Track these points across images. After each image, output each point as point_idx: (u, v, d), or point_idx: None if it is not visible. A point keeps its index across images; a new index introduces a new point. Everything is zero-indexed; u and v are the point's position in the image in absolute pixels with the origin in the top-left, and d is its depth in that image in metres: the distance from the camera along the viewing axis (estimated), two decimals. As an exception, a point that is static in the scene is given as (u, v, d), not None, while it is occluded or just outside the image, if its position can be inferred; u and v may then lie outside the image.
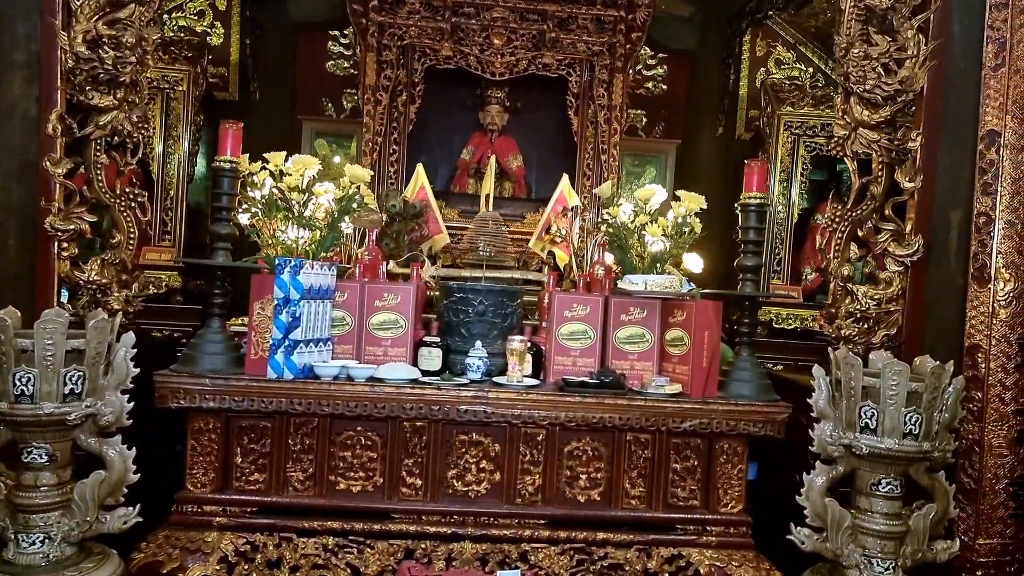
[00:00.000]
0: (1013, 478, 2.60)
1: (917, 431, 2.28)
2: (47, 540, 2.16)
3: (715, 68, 6.19)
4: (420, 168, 4.04)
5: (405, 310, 2.73)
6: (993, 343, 2.59)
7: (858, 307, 2.80)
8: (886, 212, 2.82)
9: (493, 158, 3.96)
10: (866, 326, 2.81)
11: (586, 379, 2.65)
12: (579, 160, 4.88)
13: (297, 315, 2.49)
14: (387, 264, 3.28)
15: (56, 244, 2.67)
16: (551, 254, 3.92)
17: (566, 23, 4.69)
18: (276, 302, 2.48)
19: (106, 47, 2.68)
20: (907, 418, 2.27)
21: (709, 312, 2.65)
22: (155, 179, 4.94)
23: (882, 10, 2.74)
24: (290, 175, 2.75)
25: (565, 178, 4.01)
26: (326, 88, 5.90)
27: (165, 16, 6.17)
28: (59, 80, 2.65)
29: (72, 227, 2.68)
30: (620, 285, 2.76)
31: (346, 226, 3.31)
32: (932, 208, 2.76)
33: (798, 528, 2.46)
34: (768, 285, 5.00)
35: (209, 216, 2.72)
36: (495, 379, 2.67)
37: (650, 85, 6.63)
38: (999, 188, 2.56)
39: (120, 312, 2.69)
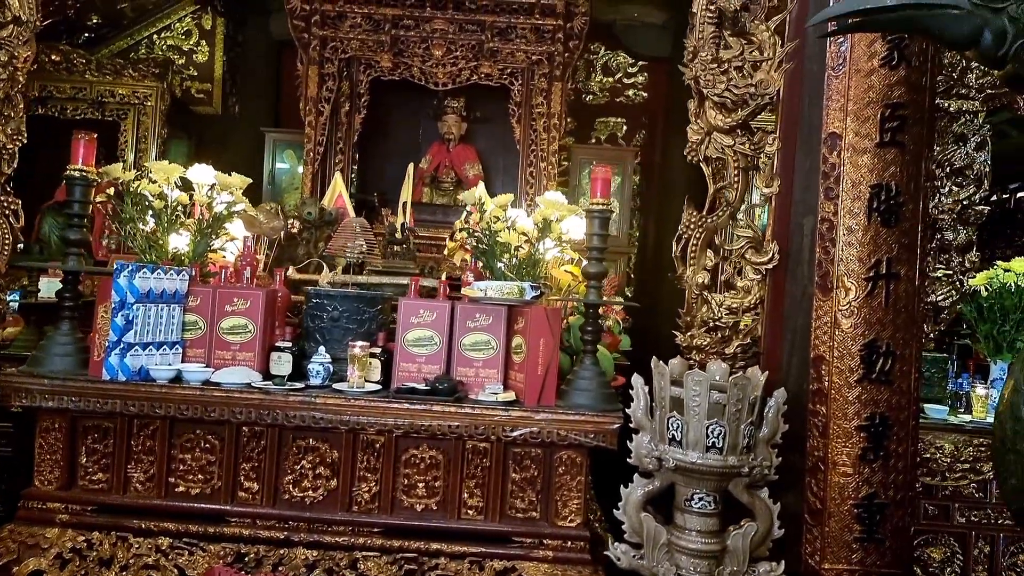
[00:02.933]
0: (858, 499, 2.44)
1: (721, 444, 2.18)
2: None
3: (691, 74, 6.08)
4: (338, 176, 4.13)
5: (254, 314, 2.78)
6: (836, 355, 2.45)
7: (712, 316, 2.70)
8: (741, 218, 2.72)
9: (411, 166, 4.00)
10: (721, 336, 2.71)
11: (417, 386, 2.64)
12: (521, 167, 4.89)
13: (131, 319, 2.58)
14: (287, 270, 3.36)
15: (-61, 252, 2.86)
16: (464, 260, 3.92)
17: (505, 33, 4.72)
18: (113, 305, 2.58)
19: (-18, 65, 2.85)
20: (710, 431, 2.18)
21: (543, 319, 2.60)
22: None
23: (732, 12, 2.66)
24: (154, 182, 2.87)
25: (480, 185, 4.02)
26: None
27: (154, 36, 6.54)
28: (-61, 96, 2.84)
29: (-48, 234, 2.86)
30: (463, 291, 2.75)
31: (240, 232, 3.43)
32: (789, 215, 2.65)
33: (615, 544, 2.39)
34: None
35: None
36: (335, 385, 2.69)
37: (630, 93, 6.60)
38: (840, 192, 2.43)
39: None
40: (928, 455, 3.03)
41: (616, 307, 3.61)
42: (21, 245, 3.13)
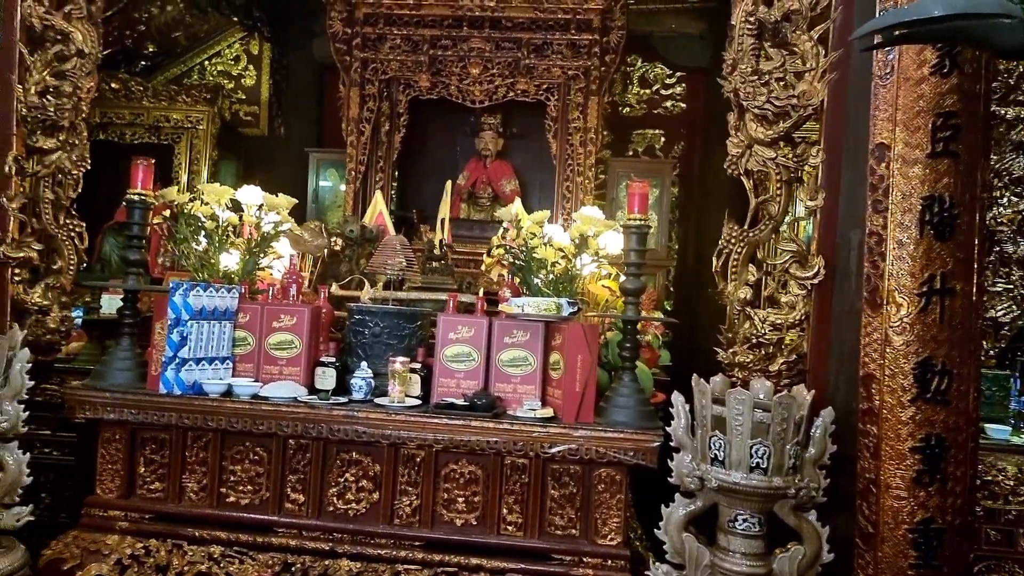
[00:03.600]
0: (913, 523, 2.36)
1: (766, 465, 2.14)
2: (-50, 531, 2.43)
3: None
4: (379, 195, 4.20)
5: (300, 330, 2.86)
6: (887, 373, 2.38)
7: (755, 332, 2.66)
8: (785, 232, 2.68)
9: (448, 183, 4.06)
10: (764, 353, 2.67)
11: (457, 401, 2.66)
12: (557, 182, 4.91)
13: (185, 335, 2.68)
14: (330, 287, 3.44)
15: (9, 270, 3.01)
16: (501, 276, 3.95)
17: (541, 49, 4.76)
18: (169, 322, 2.68)
19: (50, 96, 3.01)
20: (753, 450, 2.14)
21: (581, 335, 2.60)
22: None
23: (772, 23, 2.63)
24: (206, 204, 2.98)
25: (517, 201, 4.05)
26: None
27: (206, 62, 6.80)
28: (14, 127, 3.00)
29: (23, 255, 3.01)
30: (501, 307, 2.77)
31: (287, 250, 3.53)
32: (835, 228, 2.59)
33: (656, 564, 2.36)
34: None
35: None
36: (376, 400, 2.74)
37: (668, 104, 6.57)
38: (890, 205, 2.37)
39: (54, 331, 2.98)
40: (989, 478, 2.92)
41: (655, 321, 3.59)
42: (84, 264, 3.27)
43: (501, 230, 3.86)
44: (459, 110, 5.16)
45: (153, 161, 2.91)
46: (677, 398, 2.36)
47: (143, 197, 2.85)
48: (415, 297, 3.41)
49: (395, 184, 5.08)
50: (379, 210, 4.06)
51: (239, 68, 6.70)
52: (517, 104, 5.02)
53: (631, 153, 6.25)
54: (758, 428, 2.15)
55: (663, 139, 6.44)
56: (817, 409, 2.33)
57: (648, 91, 6.32)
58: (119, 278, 5.07)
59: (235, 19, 5.85)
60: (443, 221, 4.04)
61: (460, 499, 2.68)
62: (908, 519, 2.37)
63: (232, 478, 2.77)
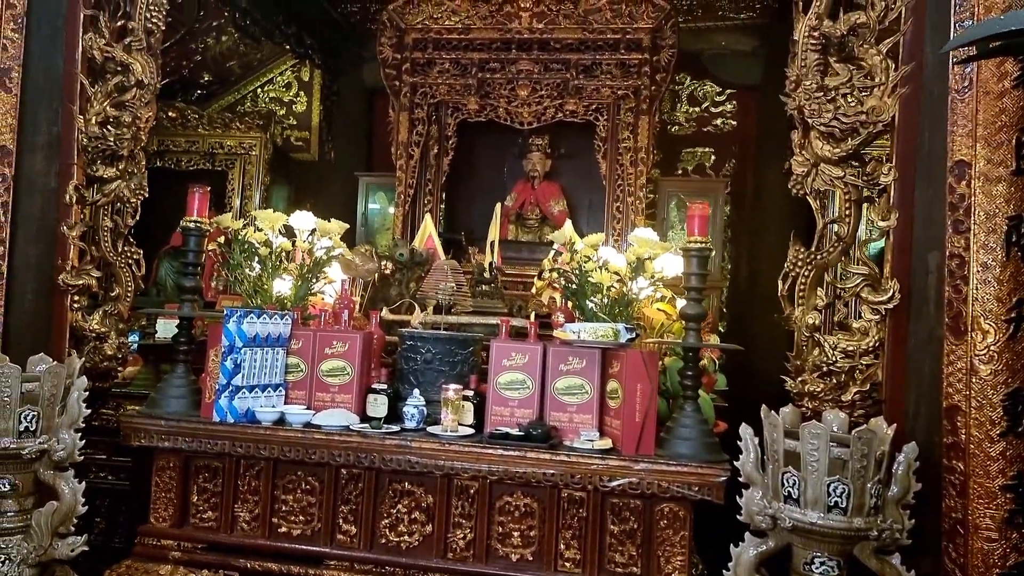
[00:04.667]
0: (1006, 567, 2.18)
1: (845, 504, 2.00)
2: (7, 561, 2.44)
3: (781, 102, 5.89)
4: (428, 218, 4.19)
5: (352, 357, 2.82)
6: (974, 405, 2.22)
7: (825, 360, 2.52)
8: (856, 254, 2.54)
9: (498, 205, 4.02)
10: (836, 382, 2.52)
11: (512, 431, 2.58)
12: (608, 203, 4.83)
13: (239, 362, 2.67)
14: (381, 312, 3.42)
15: (68, 297, 3.06)
16: (552, 300, 3.87)
17: (590, 70, 4.71)
18: (223, 349, 2.68)
19: (110, 126, 3.07)
20: (831, 488, 2.00)
21: (641, 363, 2.50)
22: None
23: (838, 37, 2.52)
24: (260, 230, 2.99)
25: (568, 224, 3.98)
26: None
27: (258, 90, 6.96)
28: (75, 156, 3.07)
29: (82, 282, 3.06)
30: (556, 333, 2.69)
31: (339, 275, 3.52)
32: (910, 250, 2.45)
33: (725, 606, 2.23)
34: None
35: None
36: (429, 428, 2.68)
37: (718, 122, 6.46)
38: (972, 226, 2.23)
39: (111, 358, 3.02)
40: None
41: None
42: (141, 289, 3.32)
43: (552, 252, 3.79)
44: (506, 131, 5.14)
45: (208, 188, 2.93)
46: (745, 430, 2.24)
47: (199, 224, 2.87)
48: (465, 321, 3.36)
49: (442, 206, 5.07)
50: (429, 233, 4.04)
51: (290, 95, 6.84)
52: (564, 124, 4.97)
53: (680, 172, 6.13)
54: (835, 464, 2.01)
55: (713, 157, 6.31)
56: (898, 444, 2.18)
57: (697, 109, 6.22)
58: (174, 303, 5.18)
59: (287, 47, 5.96)
60: (493, 243, 3.99)
61: (515, 533, 2.59)
62: (1000, 563, 2.20)
63: (284, 508, 2.73)
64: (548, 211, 5.22)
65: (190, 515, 2.79)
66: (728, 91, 6.24)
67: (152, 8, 3.16)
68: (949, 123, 2.30)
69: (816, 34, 2.55)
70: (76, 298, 3.09)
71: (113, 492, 3.78)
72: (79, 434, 2.55)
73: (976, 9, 2.26)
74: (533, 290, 3.86)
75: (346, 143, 6.65)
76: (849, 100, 2.52)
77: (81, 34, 3.08)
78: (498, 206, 3.99)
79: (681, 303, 3.28)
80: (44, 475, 2.52)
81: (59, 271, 3.04)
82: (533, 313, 3.64)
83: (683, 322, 2.86)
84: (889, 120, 2.50)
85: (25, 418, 2.42)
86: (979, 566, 2.21)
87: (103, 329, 3.12)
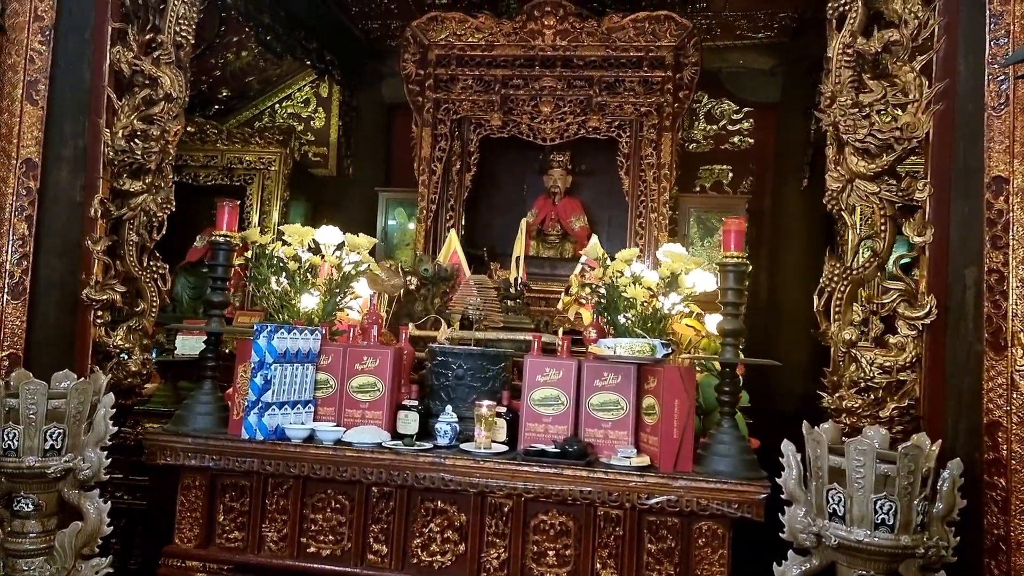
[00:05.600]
0: (1052, 586, 2.15)
1: (892, 521, 1.97)
2: (32, 583, 2.42)
3: (799, 120, 5.92)
4: (453, 233, 4.19)
5: (383, 373, 2.80)
6: (1015, 420, 2.20)
7: (863, 376, 2.50)
8: (891, 269, 2.53)
9: (523, 221, 4.03)
10: (873, 398, 2.50)
11: (548, 448, 2.56)
12: (630, 219, 4.84)
13: (269, 378, 2.65)
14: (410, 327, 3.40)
15: (92, 312, 3.05)
16: (578, 315, 3.86)
17: (613, 87, 4.73)
18: (252, 365, 2.67)
19: (137, 139, 3.08)
20: (878, 505, 1.97)
21: (677, 378, 2.48)
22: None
23: (872, 54, 2.53)
24: (289, 244, 2.98)
25: (594, 238, 3.97)
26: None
27: (276, 105, 7.01)
28: (101, 170, 3.07)
29: (106, 297, 3.05)
30: (591, 349, 2.67)
31: (365, 290, 3.51)
32: (946, 265, 2.44)
33: (768, 627, 2.19)
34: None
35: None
36: (462, 445, 2.65)
37: (736, 140, 6.48)
38: (1010, 241, 2.22)
39: (136, 374, 3.01)
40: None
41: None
42: (167, 305, 3.31)
43: (579, 268, 3.78)
44: (527, 147, 5.16)
45: (238, 203, 2.93)
46: (787, 447, 2.22)
47: (228, 239, 2.87)
48: (492, 337, 3.34)
49: (463, 222, 5.08)
50: (453, 249, 4.04)
51: (308, 110, 6.88)
52: (585, 141, 5.00)
53: (698, 189, 6.15)
54: (881, 481, 1.98)
55: (731, 175, 6.33)
56: (941, 460, 2.15)
57: (715, 127, 6.24)
58: (191, 318, 5.18)
59: (308, 63, 6.01)
60: (518, 259, 3.99)
61: (551, 552, 2.56)
62: (1046, 582, 2.16)
63: (313, 527, 2.70)
64: (569, 227, 5.23)
65: (216, 535, 2.76)
66: (745, 109, 6.27)
67: (182, 21, 3.18)
68: (986, 139, 2.30)
69: (850, 51, 2.55)
70: (100, 313, 3.08)
71: (130, 512, 3.74)
72: (105, 452, 2.53)
73: (1011, 27, 2.27)
74: (559, 305, 3.84)
75: (365, 159, 6.68)
76: (884, 116, 2.52)
77: (109, 47, 3.09)
78: (523, 222, 3.99)
79: (710, 319, 3.29)
80: (68, 494, 2.49)
81: (83, 286, 3.02)
82: (561, 329, 3.63)
83: (719, 337, 2.85)
84: (923, 136, 2.49)
85: (51, 436, 2.40)
86: (1025, 586, 2.18)
87: (127, 345, 3.11)
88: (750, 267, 2.55)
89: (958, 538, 2.09)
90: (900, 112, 2.52)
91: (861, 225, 4.79)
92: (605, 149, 5.08)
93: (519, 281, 3.78)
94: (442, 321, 3.58)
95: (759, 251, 6.01)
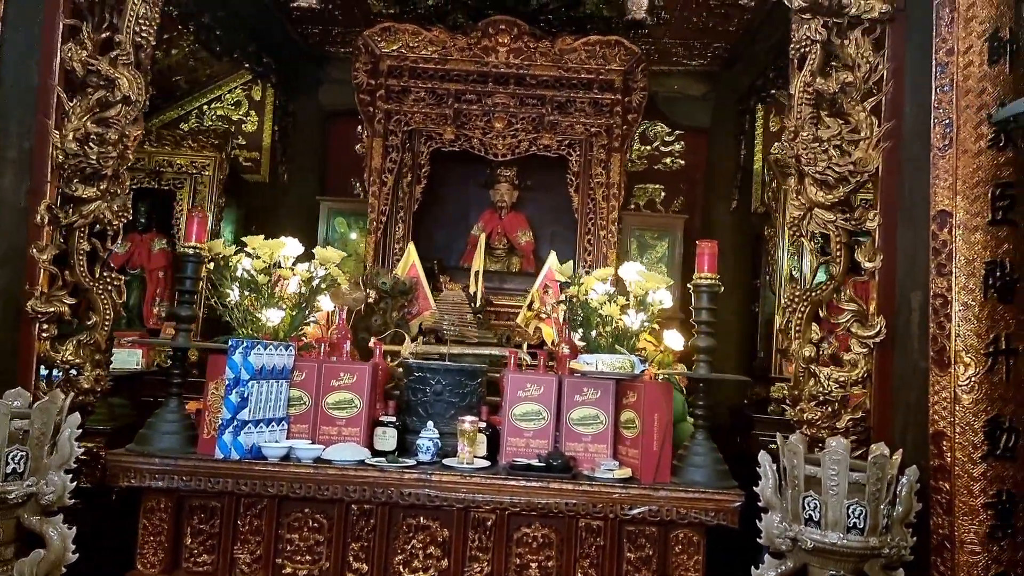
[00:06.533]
0: (989, 578, 2.40)
1: (862, 525, 2.16)
2: (-14, 618, 2.23)
3: (730, 144, 6.26)
4: (411, 246, 4.18)
5: (360, 389, 2.78)
6: (958, 431, 2.44)
7: (821, 390, 2.70)
8: (846, 292, 2.76)
9: (482, 236, 4.07)
10: (830, 410, 2.71)
11: (532, 462, 2.62)
12: (579, 236, 4.96)
13: (246, 395, 2.57)
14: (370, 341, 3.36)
15: (37, 325, 2.85)
16: (538, 330, 3.94)
17: (564, 107, 4.85)
18: (227, 382, 2.58)
19: (92, 143, 2.91)
20: (850, 510, 2.16)
21: (658, 394, 2.60)
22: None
23: (831, 94, 2.75)
24: (258, 258, 2.90)
25: (552, 255, 4.07)
26: (354, 170, 6.23)
27: (205, 106, 6.71)
28: (49, 174, 2.88)
29: (52, 309, 2.85)
30: (572, 365, 2.76)
31: (328, 304, 3.44)
32: (894, 289, 2.68)
33: (746, 627, 2.33)
34: (781, 361, 4.87)
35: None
36: (445, 461, 2.67)
37: (668, 161, 6.75)
38: (953, 269, 2.48)
39: (88, 391, 2.83)
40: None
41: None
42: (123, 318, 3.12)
43: (538, 284, 3.86)
44: (473, 161, 5.19)
45: (207, 215, 2.82)
46: (764, 458, 2.38)
47: (197, 250, 2.77)
48: (456, 352, 3.37)
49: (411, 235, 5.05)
50: (412, 261, 4.03)
51: (239, 113, 6.62)
52: (532, 157, 5.08)
53: (633, 207, 6.36)
54: (853, 488, 2.17)
55: (663, 194, 6.60)
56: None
57: (649, 147, 6.49)
58: (117, 330, 4.88)
59: (246, 65, 5.80)
60: (477, 274, 4.04)
61: (533, 564, 2.61)
62: (983, 573, 2.40)
63: (289, 547, 2.64)
64: (516, 241, 5.31)
65: (183, 558, 2.65)
66: (677, 132, 6.56)
67: (142, 22, 3.03)
68: (932, 176, 2.55)
69: (810, 90, 2.76)
70: (45, 327, 2.88)
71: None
72: (69, 475, 2.38)
73: (955, 76, 2.53)
74: (519, 320, 3.91)
75: (300, 166, 6.50)
76: (839, 151, 2.74)
77: (59, 44, 2.92)
78: (481, 236, 4.05)
79: (667, 334, 3.45)
80: (28, 521, 2.33)
81: (28, 297, 2.83)
82: (526, 343, 3.70)
83: (673, 352, 3.00)
84: (873, 171, 2.73)
85: (12, 459, 2.24)
86: (965, 578, 2.42)
87: (77, 360, 2.92)
88: (722, 288, 2.71)
89: (915, 538, 2.31)
90: (853, 148, 2.74)
91: (788, 247, 5.19)
92: (549, 166, 5.18)
93: (481, 296, 3.82)
94: (405, 335, 3.58)
95: (690, 269, 6.30)
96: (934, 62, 2.57)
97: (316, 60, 6.13)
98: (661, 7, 4.69)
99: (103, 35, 3.01)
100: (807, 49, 2.78)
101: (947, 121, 2.53)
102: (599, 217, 4.74)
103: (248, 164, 6.57)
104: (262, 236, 3.03)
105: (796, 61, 2.82)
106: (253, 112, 6.63)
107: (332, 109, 6.31)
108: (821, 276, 4.95)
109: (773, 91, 5.45)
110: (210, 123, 6.51)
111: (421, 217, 5.39)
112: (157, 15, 3.06)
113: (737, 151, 6.09)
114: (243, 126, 6.59)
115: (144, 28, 3.04)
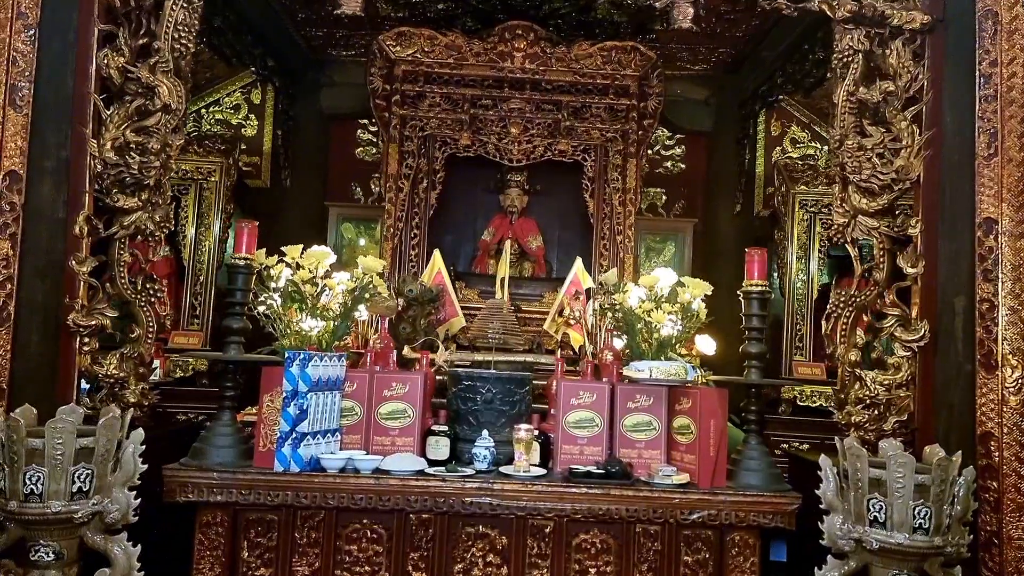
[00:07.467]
0: (1037, 574, 2.49)
1: (927, 525, 2.22)
2: (52, 640, 2.18)
3: (731, 148, 6.34)
4: (437, 253, 4.17)
5: (413, 399, 2.77)
6: (1005, 431, 2.53)
7: (867, 393, 2.77)
8: (890, 297, 2.83)
9: (508, 242, 4.08)
10: (876, 412, 2.78)
11: (592, 469, 2.64)
12: (595, 241, 4.98)
13: (304, 408, 2.55)
14: (402, 350, 3.35)
15: (78, 339, 2.79)
16: (566, 335, 3.96)
17: (580, 112, 4.87)
18: (284, 395, 2.55)
19: (132, 153, 2.86)
20: (916, 511, 2.22)
21: (714, 399, 2.64)
22: (186, 265, 5.19)
23: (874, 103, 2.82)
24: (303, 268, 2.87)
25: (579, 261, 4.10)
26: (355, 174, 6.22)
27: (203, 110, 6.59)
28: (87, 184, 2.82)
29: (94, 323, 2.79)
30: (625, 372, 2.78)
31: (361, 313, 3.42)
32: (936, 294, 2.76)
33: (811, 627, 2.38)
34: (791, 363, 4.96)
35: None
36: (501, 469, 2.67)
37: (669, 164, 6.81)
38: (1000, 275, 2.56)
39: (135, 405, 2.78)
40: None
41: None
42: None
43: (564, 291, 3.88)
44: (484, 166, 5.19)
45: (257, 224, 2.79)
46: (825, 461, 2.43)
47: (248, 261, 2.73)
48: (489, 359, 3.37)
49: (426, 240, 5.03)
50: (438, 269, 4.02)
51: (239, 117, 6.51)
52: (543, 162, 5.09)
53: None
54: (918, 490, 2.23)
55: (664, 197, 6.66)
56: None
57: (650, 151, 6.53)
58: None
59: (252, 69, 5.73)
60: (503, 280, 4.04)
61: (592, 570, 2.63)
62: (1032, 570, 2.49)
63: (347, 559, 2.62)
64: (526, 246, 5.31)
65: (240, 573, 2.61)
66: (678, 136, 6.63)
67: (181, 28, 2.99)
68: (977, 184, 2.64)
69: (853, 99, 2.83)
70: (87, 340, 2.82)
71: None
72: (134, 492, 2.34)
73: (999, 87, 2.62)
74: (547, 326, 3.92)
75: (301, 170, 6.43)
76: (882, 159, 2.81)
77: (95, 51, 2.86)
78: (507, 243, 4.05)
79: (699, 339, 3.48)
80: (93, 540, 2.28)
81: (68, 310, 2.77)
82: (559, 351, 3.72)
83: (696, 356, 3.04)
84: (915, 178, 2.80)
85: (79, 478, 2.19)
86: (1013, 573, 2.50)
87: (121, 374, 2.86)
88: (772, 295, 2.75)
89: (971, 536, 2.38)
90: (895, 156, 2.82)
91: (797, 249, 5.29)
92: (560, 171, 5.20)
93: (509, 302, 3.83)
94: (439, 343, 3.57)
95: (694, 271, 6.38)
96: (977, 73, 2.65)
97: (318, 63, 6.08)
98: (702, 15, 4.68)
99: (140, 41, 2.96)
100: (850, 59, 2.85)
101: (992, 131, 2.61)
102: (615, 222, 4.78)
103: (248, 169, 6.46)
104: (301, 246, 3.00)
105: (838, 70, 2.88)
106: (253, 116, 6.52)
107: (333, 112, 6.27)
108: (825, 279, 5.16)
109: (781, 96, 5.54)
110: (208, 128, 6.40)
111: (433, 222, 5.37)
112: (196, 21, 3.02)
113: (739, 155, 6.17)
114: (243, 130, 6.50)
115: (183, 35, 2.99)
